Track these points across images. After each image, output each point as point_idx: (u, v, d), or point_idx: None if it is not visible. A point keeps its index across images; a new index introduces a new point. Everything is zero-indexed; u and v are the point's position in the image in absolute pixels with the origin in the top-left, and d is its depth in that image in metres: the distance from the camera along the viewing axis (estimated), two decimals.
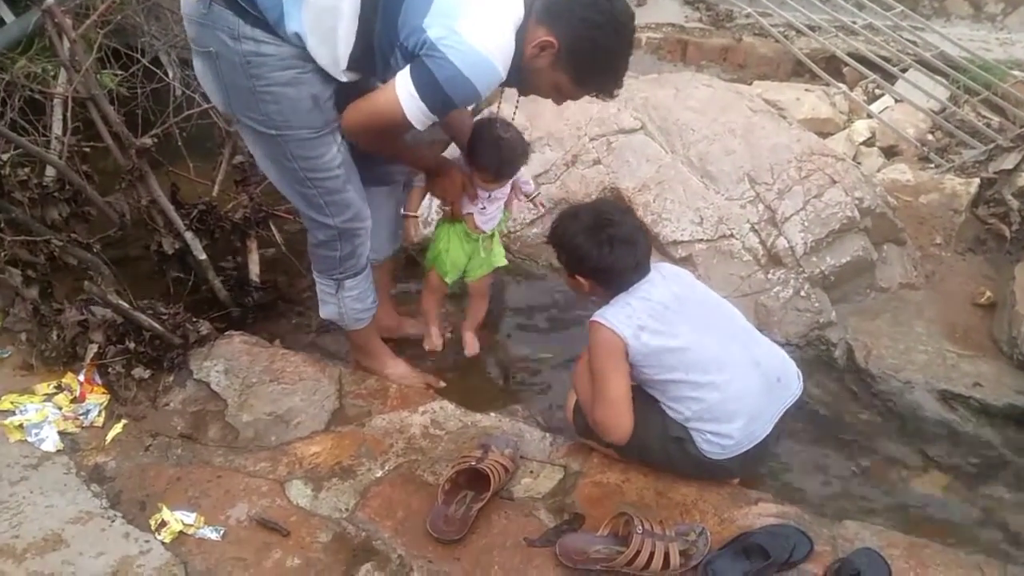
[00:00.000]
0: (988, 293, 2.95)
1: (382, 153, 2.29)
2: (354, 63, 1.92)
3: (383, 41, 1.87)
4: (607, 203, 2.14)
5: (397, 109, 1.87)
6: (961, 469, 2.40)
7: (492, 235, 2.58)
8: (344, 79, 1.98)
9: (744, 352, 2.03)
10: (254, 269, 2.95)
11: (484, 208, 2.47)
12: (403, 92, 1.85)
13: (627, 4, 1.90)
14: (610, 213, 2.04)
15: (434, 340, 2.71)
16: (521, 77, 1.95)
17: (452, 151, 2.63)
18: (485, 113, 2.66)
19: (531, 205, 2.75)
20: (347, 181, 2.12)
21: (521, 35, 1.86)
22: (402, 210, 2.52)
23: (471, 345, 2.75)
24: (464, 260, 2.57)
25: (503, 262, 2.67)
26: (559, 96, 2.01)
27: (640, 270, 2.03)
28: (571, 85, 1.95)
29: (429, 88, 1.83)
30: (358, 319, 2.43)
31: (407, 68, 1.84)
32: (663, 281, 2.04)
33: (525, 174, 2.53)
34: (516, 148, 2.35)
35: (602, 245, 1.97)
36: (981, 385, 2.58)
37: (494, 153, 2.31)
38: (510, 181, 2.47)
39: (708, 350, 1.99)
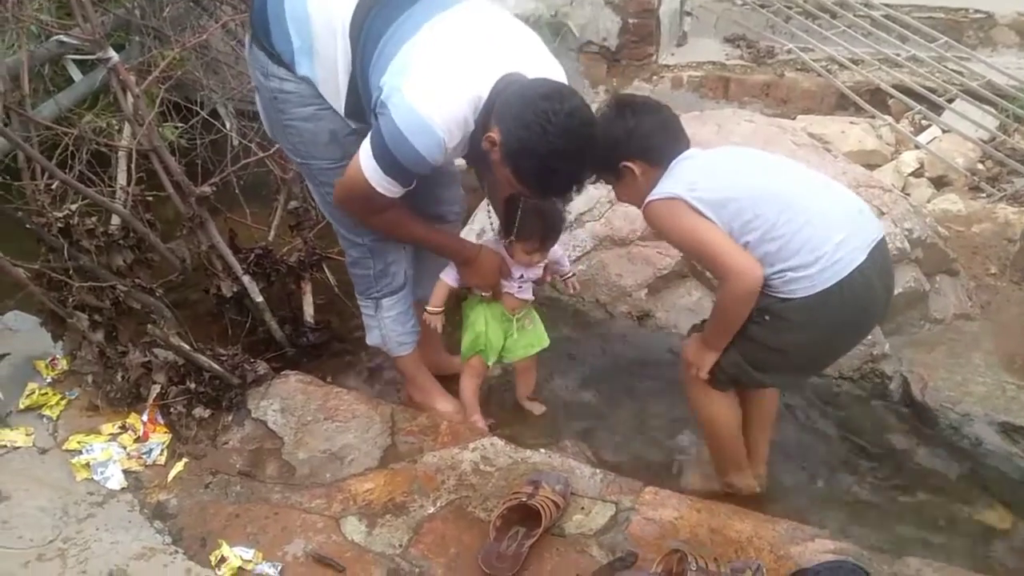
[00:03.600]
0: None
1: (392, 234, 2.21)
2: (350, 114, 2.01)
3: (364, 98, 1.94)
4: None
5: (359, 173, 1.90)
6: None
7: (529, 312, 2.47)
8: (353, 125, 2.05)
9: (811, 184, 1.98)
10: (308, 310, 3.03)
11: (520, 287, 2.38)
12: (363, 154, 1.88)
13: (575, 106, 1.78)
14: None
15: (480, 426, 2.48)
16: (488, 165, 1.96)
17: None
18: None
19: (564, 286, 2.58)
20: None
21: (483, 124, 1.84)
22: (425, 308, 2.38)
23: (536, 407, 2.66)
24: (502, 339, 2.44)
25: (546, 342, 2.52)
26: (514, 190, 1.97)
27: (671, 131, 2.05)
28: (516, 183, 1.89)
29: (379, 146, 1.85)
30: (401, 343, 2.48)
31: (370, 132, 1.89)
32: (708, 150, 2.04)
33: (560, 254, 2.47)
34: (557, 214, 2.26)
35: (626, 118, 1.99)
36: None
37: (537, 221, 2.21)
38: (544, 260, 2.35)
39: (770, 188, 1.91)
